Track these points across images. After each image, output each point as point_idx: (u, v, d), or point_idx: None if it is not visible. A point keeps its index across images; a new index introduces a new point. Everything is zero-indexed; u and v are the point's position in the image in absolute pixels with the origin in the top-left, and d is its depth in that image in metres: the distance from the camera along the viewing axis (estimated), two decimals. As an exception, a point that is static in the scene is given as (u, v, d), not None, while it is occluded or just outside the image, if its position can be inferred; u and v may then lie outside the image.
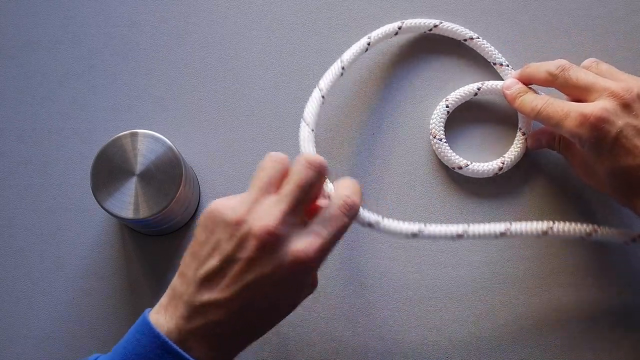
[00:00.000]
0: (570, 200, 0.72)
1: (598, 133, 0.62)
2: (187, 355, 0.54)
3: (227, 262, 0.54)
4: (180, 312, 0.55)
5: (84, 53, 0.75)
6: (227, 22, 0.76)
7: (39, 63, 0.75)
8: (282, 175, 0.57)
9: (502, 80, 0.72)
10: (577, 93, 0.65)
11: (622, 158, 0.62)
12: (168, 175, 0.65)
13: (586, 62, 0.68)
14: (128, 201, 0.65)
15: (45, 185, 0.73)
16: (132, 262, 0.72)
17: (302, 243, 0.55)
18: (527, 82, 0.70)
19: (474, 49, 0.73)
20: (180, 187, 0.65)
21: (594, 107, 0.62)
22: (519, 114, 0.72)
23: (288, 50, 0.75)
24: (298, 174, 0.57)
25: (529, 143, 0.71)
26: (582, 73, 0.65)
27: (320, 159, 0.58)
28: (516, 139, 0.71)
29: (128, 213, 0.65)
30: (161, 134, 0.66)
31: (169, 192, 0.65)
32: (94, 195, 0.65)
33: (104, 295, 0.71)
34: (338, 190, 0.59)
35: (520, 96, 0.68)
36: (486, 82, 0.72)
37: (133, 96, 0.74)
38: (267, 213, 0.55)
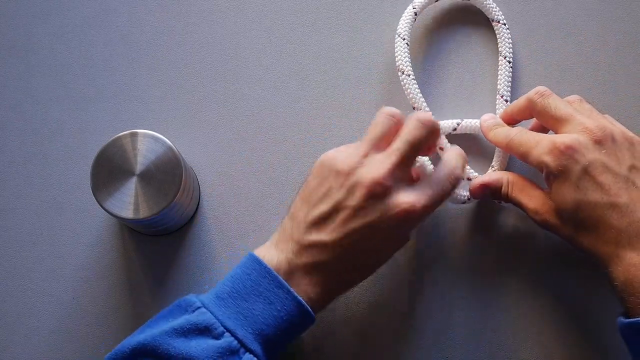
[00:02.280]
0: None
1: (567, 162, 0.61)
2: (294, 293, 0.59)
3: (337, 208, 0.60)
4: (290, 247, 0.60)
5: (84, 53, 0.75)
6: (227, 22, 0.76)
7: (38, 63, 0.75)
8: (394, 131, 0.63)
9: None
10: (553, 123, 0.65)
11: (586, 192, 0.61)
12: (168, 175, 0.65)
13: (570, 97, 0.67)
14: (128, 201, 0.65)
15: (45, 185, 0.73)
16: (132, 262, 0.72)
17: (409, 196, 0.60)
18: (510, 117, 0.70)
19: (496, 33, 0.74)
20: (180, 187, 0.65)
21: (566, 137, 0.62)
22: (496, 151, 0.72)
23: (288, 50, 0.75)
24: (409, 132, 0.62)
25: (472, 189, 0.68)
26: (561, 103, 0.65)
27: (431, 118, 0.62)
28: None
29: (128, 213, 0.65)
30: (161, 134, 0.66)
31: (169, 192, 0.65)
32: (94, 195, 0.65)
33: (104, 295, 0.71)
34: (449, 159, 0.64)
35: (496, 128, 0.69)
36: (465, 120, 0.72)
37: (133, 96, 0.75)
38: (376, 166, 0.60)
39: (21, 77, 0.75)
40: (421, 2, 0.72)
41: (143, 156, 0.65)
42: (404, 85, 0.71)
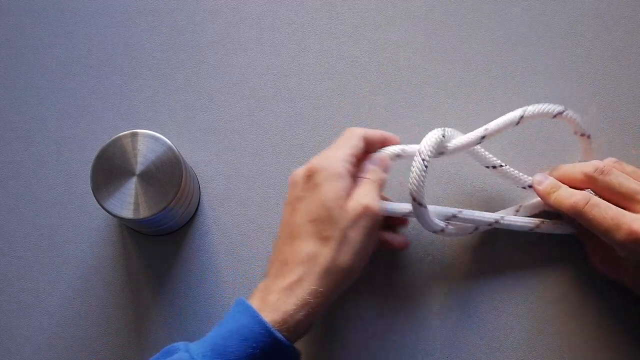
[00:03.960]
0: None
1: None
2: (268, 325, 0.57)
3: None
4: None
5: (84, 53, 0.75)
6: (227, 22, 0.76)
7: (39, 63, 0.75)
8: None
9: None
10: (618, 199, 0.63)
11: None
12: (168, 175, 0.65)
13: (608, 161, 0.66)
14: (128, 201, 0.65)
15: (46, 185, 0.73)
16: (132, 262, 0.72)
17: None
18: (560, 181, 0.67)
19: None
20: (180, 187, 0.65)
21: None
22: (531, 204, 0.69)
23: (288, 50, 0.75)
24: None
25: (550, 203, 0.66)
26: (623, 179, 0.63)
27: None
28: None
29: (128, 213, 0.65)
30: (161, 134, 0.66)
31: (169, 192, 0.65)
32: (94, 195, 0.65)
33: (104, 295, 0.71)
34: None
35: (554, 191, 0.65)
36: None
37: (133, 96, 0.75)
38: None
39: (21, 77, 0.75)
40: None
41: (143, 156, 0.65)
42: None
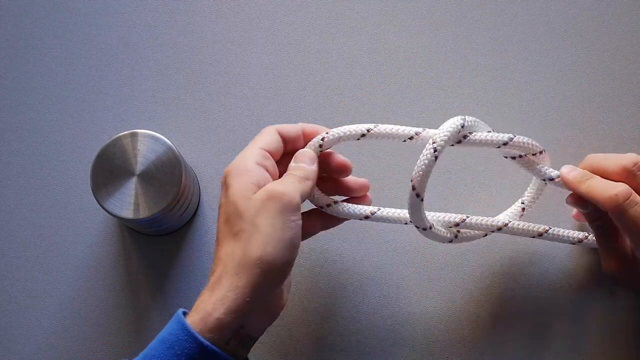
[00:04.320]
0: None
1: None
2: (193, 332, 0.54)
3: None
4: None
5: (84, 53, 0.75)
6: (227, 22, 0.76)
7: (39, 63, 0.75)
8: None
9: None
10: None
11: None
12: (168, 175, 0.65)
13: (634, 157, 0.61)
14: (128, 201, 0.65)
15: (45, 185, 0.73)
16: (132, 262, 0.72)
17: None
18: (593, 171, 0.62)
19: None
20: (180, 187, 0.65)
21: None
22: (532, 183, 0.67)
23: (288, 50, 0.75)
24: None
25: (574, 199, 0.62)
26: None
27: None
28: None
29: (128, 213, 0.65)
30: (161, 134, 0.66)
31: (169, 192, 0.65)
32: (94, 195, 0.65)
33: (104, 295, 0.71)
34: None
35: (587, 179, 0.61)
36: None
37: (133, 96, 0.75)
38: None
39: (21, 77, 0.75)
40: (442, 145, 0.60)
41: (143, 156, 0.65)
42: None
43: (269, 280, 0.56)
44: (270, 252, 0.55)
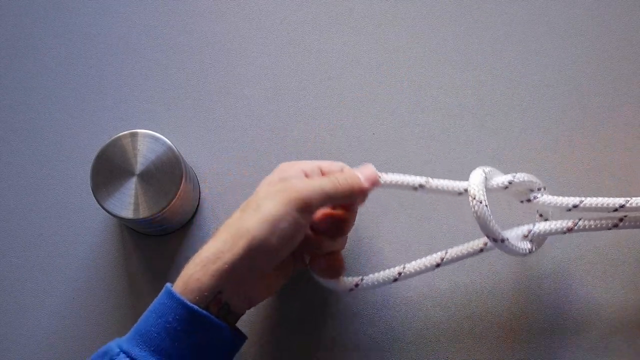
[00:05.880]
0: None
1: None
2: (182, 299, 0.56)
3: None
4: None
5: (84, 53, 0.75)
6: (227, 22, 0.76)
7: (39, 63, 0.75)
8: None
9: None
10: None
11: None
12: (168, 175, 0.65)
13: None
14: (128, 201, 0.65)
15: (45, 185, 0.73)
16: (132, 262, 0.72)
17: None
18: None
19: None
20: (180, 187, 0.65)
21: None
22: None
23: (288, 50, 0.75)
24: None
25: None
26: None
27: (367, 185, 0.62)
28: None
29: (128, 213, 0.65)
30: (161, 134, 0.66)
31: (169, 192, 0.65)
32: (94, 195, 0.65)
33: (104, 295, 0.71)
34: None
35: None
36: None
37: (133, 96, 0.75)
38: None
39: (21, 77, 0.75)
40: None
41: (143, 156, 0.65)
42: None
43: (252, 255, 0.57)
44: (260, 231, 0.57)
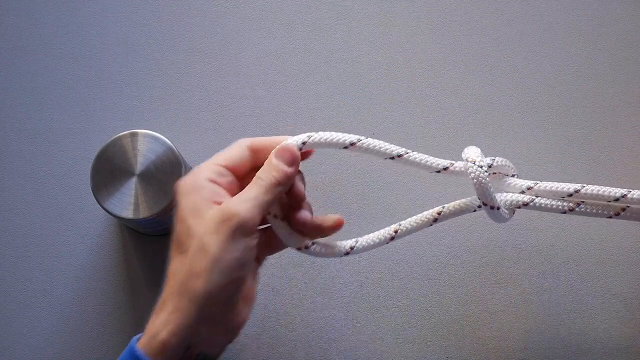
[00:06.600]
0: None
1: None
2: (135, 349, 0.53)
3: None
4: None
5: (84, 53, 0.75)
6: (227, 22, 0.76)
7: (39, 63, 0.75)
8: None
9: None
10: None
11: None
12: (168, 175, 0.65)
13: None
14: (128, 201, 0.65)
15: (45, 185, 0.73)
16: (132, 262, 0.72)
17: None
18: None
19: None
20: (180, 187, 0.65)
21: None
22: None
23: (288, 50, 0.75)
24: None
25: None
26: None
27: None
28: None
29: (128, 213, 0.65)
30: (161, 134, 0.66)
31: (169, 192, 0.65)
32: (94, 195, 0.65)
33: (104, 295, 0.71)
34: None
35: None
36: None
37: (133, 96, 0.75)
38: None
39: (21, 77, 0.75)
40: None
41: (143, 156, 0.65)
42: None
43: (214, 300, 0.53)
44: (214, 273, 0.53)
